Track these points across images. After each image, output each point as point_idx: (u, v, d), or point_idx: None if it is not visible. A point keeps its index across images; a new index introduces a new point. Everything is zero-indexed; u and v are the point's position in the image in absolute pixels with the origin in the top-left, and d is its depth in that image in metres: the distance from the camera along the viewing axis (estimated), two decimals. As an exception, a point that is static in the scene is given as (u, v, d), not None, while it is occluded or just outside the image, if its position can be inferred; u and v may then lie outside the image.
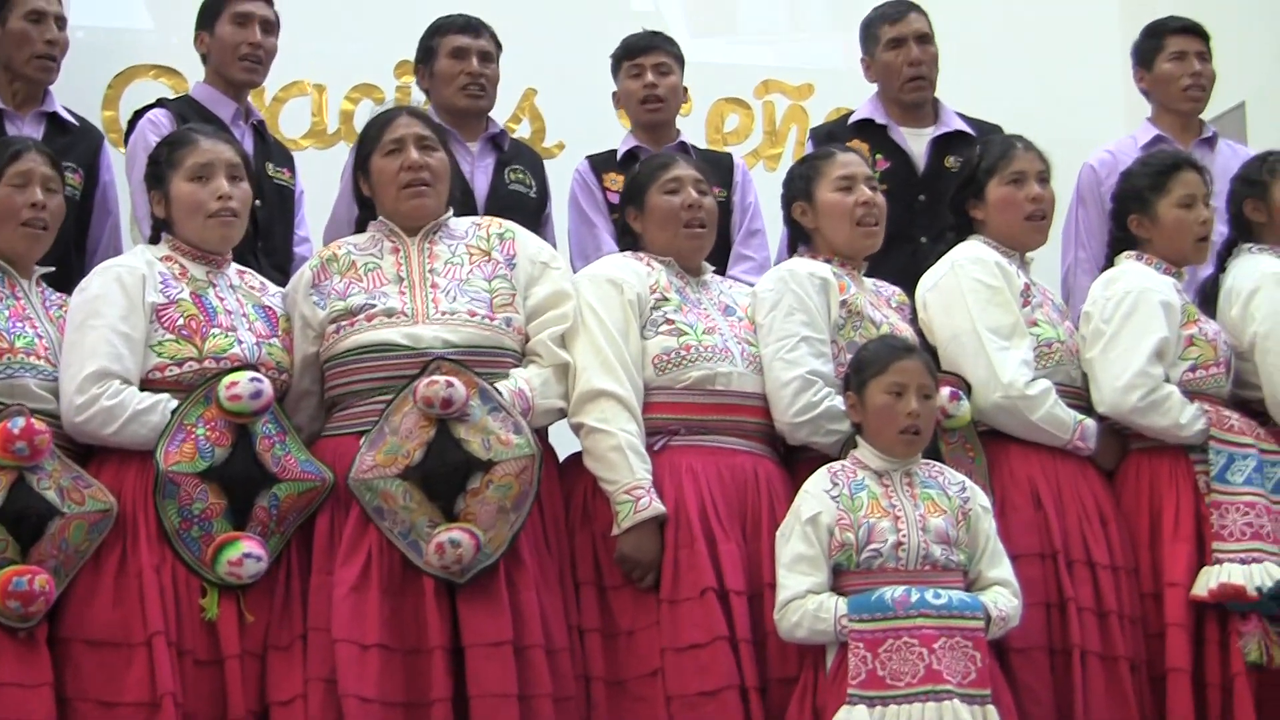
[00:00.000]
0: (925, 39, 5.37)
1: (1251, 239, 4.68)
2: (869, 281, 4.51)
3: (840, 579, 3.89)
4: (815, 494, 3.95)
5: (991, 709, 3.75)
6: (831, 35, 6.94)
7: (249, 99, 5.18)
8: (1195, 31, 5.43)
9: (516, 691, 3.84)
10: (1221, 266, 4.72)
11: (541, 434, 4.19)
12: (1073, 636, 4.14)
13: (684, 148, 5.28)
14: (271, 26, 5.11)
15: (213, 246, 4.18)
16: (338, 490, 3.99)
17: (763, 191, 5.32)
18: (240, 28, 5.05)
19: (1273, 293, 4.49)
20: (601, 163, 5.31)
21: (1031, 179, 4.52)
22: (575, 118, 6.38)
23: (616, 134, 5.49)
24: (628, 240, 4.49)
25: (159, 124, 4.87)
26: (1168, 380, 4.34)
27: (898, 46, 5.36)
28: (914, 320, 4.49)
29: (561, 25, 6.54)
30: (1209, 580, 4.16)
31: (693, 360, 4.21)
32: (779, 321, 4.27)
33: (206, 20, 5.10)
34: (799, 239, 4.54)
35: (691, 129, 5.67)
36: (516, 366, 4.16)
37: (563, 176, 5.43)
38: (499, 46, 5.25)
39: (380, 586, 3.88)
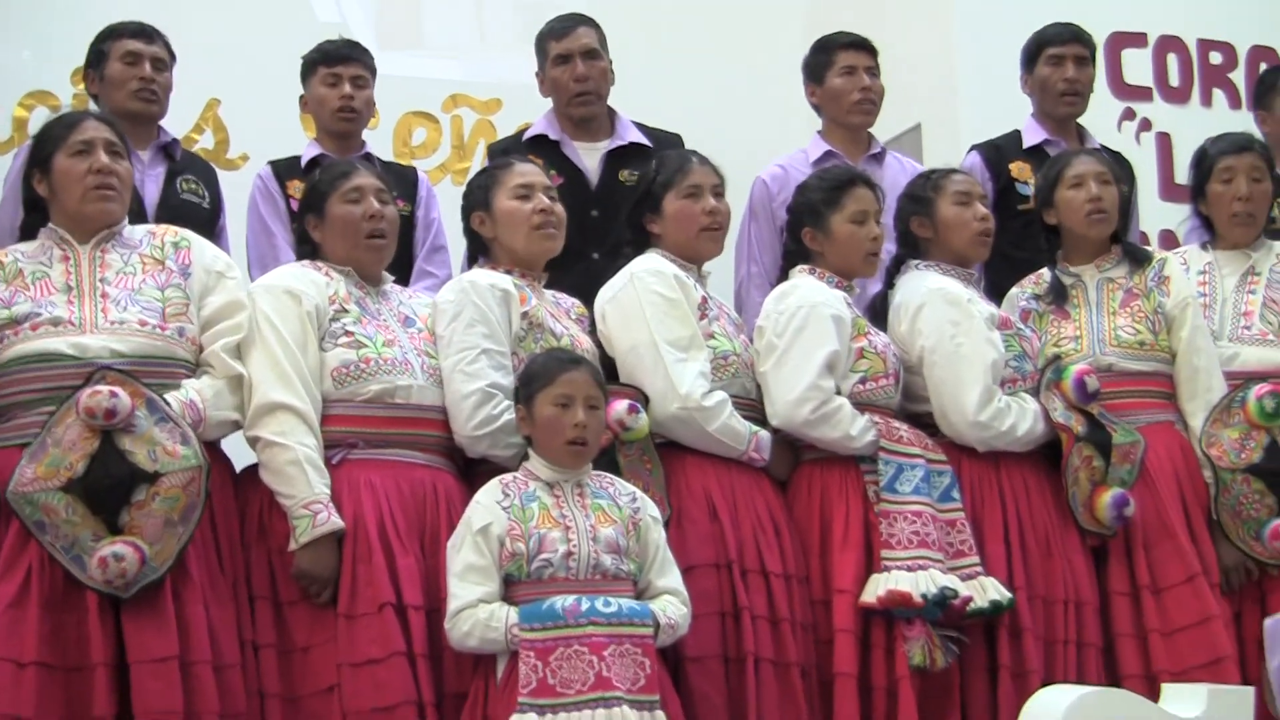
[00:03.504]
0: (593, 54, 5.37)
1: (918, 255, 4.77)
2: (549, 293, 4.52)
3: (511, 589, 3.88)
4: (486, 505, 3.94)
5: (660, 714, 3.78)
6: (519, 50, 6.92)
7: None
8: (864, 47, 5.50)
9: (182, 709, 3.75)
10: (890, 283, 4.81)
11: (217, 447, 4.11)
12: (746, 644, 4.19)
13: (369, 159, 5.23)
14: None
15: None
16: (-3, 502, 3.84)
17: (451, 206, 5.28)
18: None
19: (939, 309, 4.58)
20: (284, 169, 5.23)
21: (707, 192, 4.56)
22: (260, 129, 6.29)
23: (303, 146, 5.42)
24: (306, 249, 4.43)
25: None
26: (838, 393, 4.43)
27: (564, 62, 5.36)
28: (593, 332, 4.52)
29: (246, 35, 6.46)
30: (877, 587, 4.24)
31: (372, 373, 4.17)
32: (459, 333, 4.25)
33: None
34: (479, 251, 4.53)
35: (378, 142, 5.63)
36: (189, 377, 4.07)
37: (247, 188, 5.33)
38: (173, 56, 5.12)
39: (40, 602, 3.75)
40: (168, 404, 3.91)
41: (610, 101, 5.46)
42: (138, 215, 4.45)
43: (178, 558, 3.84)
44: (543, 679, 3.74)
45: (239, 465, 4.24)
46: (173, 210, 4.88)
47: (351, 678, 3.94)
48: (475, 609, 3.83)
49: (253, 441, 4.12)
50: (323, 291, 4.23)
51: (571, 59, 5.36)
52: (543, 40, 5.45)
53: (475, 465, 4.31)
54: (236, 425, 4.13)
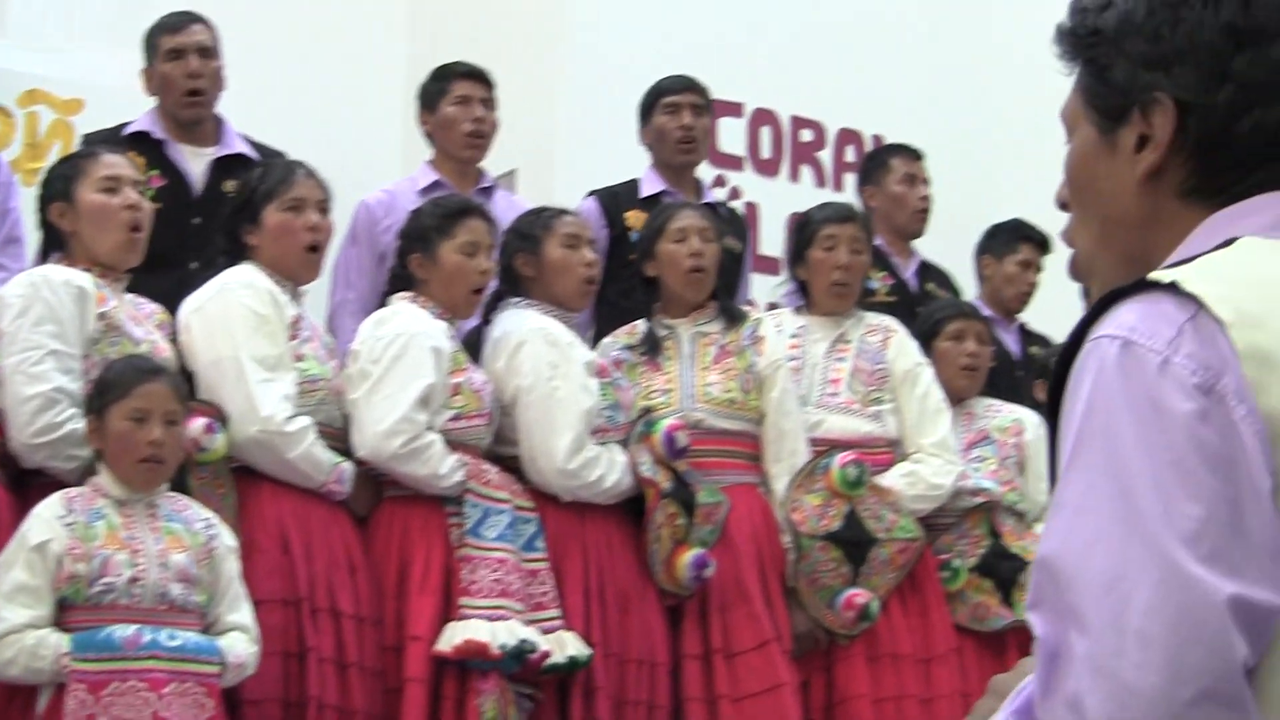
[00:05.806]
0: (208, 52, 5.11)
1: (520, 293, 4.65)
2: (130, 296, 4.22)
3: (66, 615, 3.60)
4: (46, 519, 3.65)
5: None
6: (107, 50, 6.56)
7: None
8: (480, 78, 5.42)
9: None
10: (486, 318, 4.67)
11: None
12: (310, 688, 3.98)
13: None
14: None
15: None
16: None
17: (22, 206, 4.94)
18: None
19: (539, 348, 4.47)
20: None
21: (311, 207, 4.35)
22: None
23: None
24: None
25: None
26: (431, 428, 4.26)
27: (177, 58, 5.07)
28: (176, 341, 4.23)
29: None
30: (453, 636, 4.08)
31: (-81, 367, 3.81)
32: (26, 330, 3.93)
33: None
34: (53, 245, 4.20)
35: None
36: None
37: None
38: None
39: None
40: None
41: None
42: None
43: None
44: (92, 715, 3.48)
45: None
46: None
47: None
48: (22, 634, 3.54)
49: None
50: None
51: (185, 55, 5.07)
52: (155, 34, 5.14)
53: (29, 477, 3.98)
54: None
